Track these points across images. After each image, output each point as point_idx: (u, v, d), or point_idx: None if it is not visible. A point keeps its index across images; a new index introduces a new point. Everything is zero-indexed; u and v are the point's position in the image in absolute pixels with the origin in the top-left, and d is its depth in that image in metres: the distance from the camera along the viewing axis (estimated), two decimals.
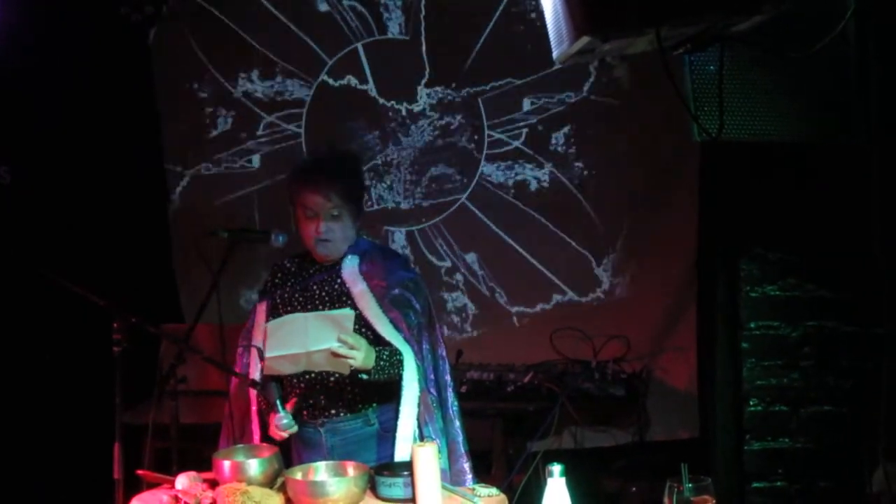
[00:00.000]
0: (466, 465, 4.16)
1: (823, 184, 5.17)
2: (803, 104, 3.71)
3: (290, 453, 4.19)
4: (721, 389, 5.61)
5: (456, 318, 6.38)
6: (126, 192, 6.32)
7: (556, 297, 6.26)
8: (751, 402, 5.46)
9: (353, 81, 6.44)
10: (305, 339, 3.83)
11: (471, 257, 6.36)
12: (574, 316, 6.14)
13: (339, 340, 3.80)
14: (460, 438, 4.19)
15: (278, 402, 3.92)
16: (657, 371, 5.99)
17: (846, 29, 3.46)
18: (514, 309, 6.32)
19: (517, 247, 6.30)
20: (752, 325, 5.45)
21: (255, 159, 6.58)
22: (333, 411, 4.12)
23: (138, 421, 4.72)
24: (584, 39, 2.77)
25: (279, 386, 4.01)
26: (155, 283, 6.45)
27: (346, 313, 3.91)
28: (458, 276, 6.39)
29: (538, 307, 6.28)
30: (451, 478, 4.08)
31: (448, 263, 6.40)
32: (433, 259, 6.40)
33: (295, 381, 4.13)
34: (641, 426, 5.89)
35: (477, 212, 6.33)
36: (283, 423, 3.91)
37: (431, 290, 4.55)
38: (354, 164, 4.30)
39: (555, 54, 3.03)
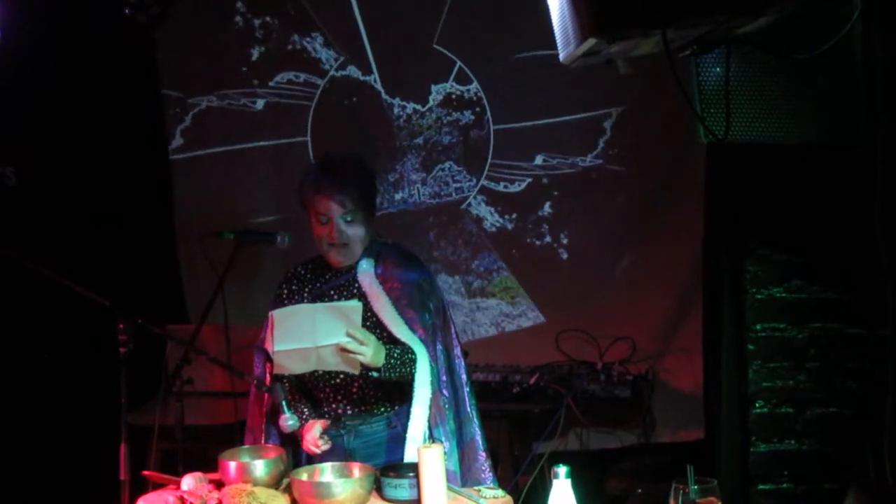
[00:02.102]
0: (486, 464, 4.17)
1: (829, 185, 5.16)
2: (809, 106, 3.71)
3: (311, 456, 4.20)
4: (727, 391, 5.60)
5: None
6: (131, 194, 6.33)
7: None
8: (756, 404, 5.46)
9: (357, 72, 6.47)
10: (313, 333, 3.83)
11: None
12: (580, 317, 6.14)
13: (348, 335, 3.80)
14: (479, 437, 4.20)
15: (284, 403, 3.92)
16: (663, 373, 5.98)
17: (852, 31, 3.46)
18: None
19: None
20: (758, 327, 5.44)
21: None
22: (355, 414, 4.12)
23: (144, 422, 4.73)
24: (591, 41, 2.77)
25: (285, 387, 4.01)
26: (160, 283, 6.46)
27: (354, 305, 3.91)
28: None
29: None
30: (471, 477, 4.09)
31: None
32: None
33: (320, 384, 4.14)
34: (647, 428, 5.89)
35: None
36: (289, 423, 3.92)
37: None
38: (366, 167, 4.29)
39: (561, 56, 3.03)
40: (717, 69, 3.42)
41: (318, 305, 3.97)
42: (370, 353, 3.83)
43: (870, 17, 3.55)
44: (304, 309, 3.95)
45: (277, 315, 3.92)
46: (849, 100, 3.77)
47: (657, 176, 6.02)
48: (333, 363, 3.88)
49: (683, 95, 3.17)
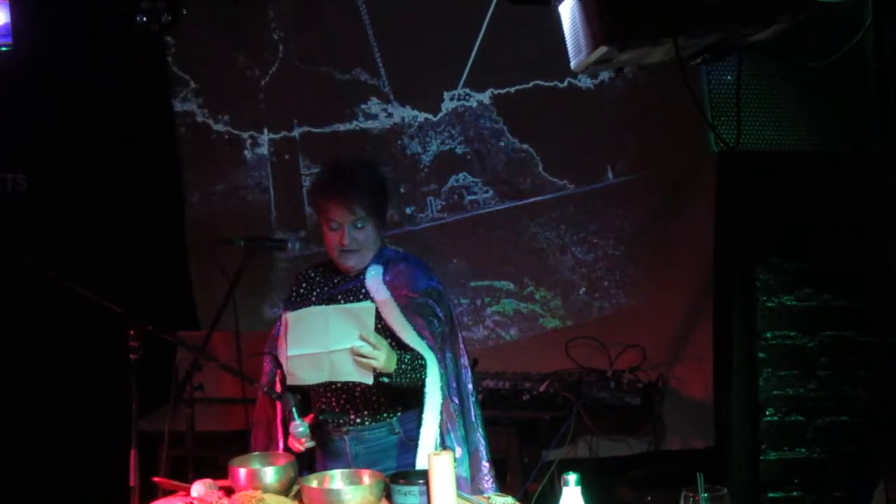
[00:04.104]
0: (489, 474, 4.16)
1: (840, 193, 5.16)
2: (820, 114, 3.72)
3: (313, 461, 4.20)
4: (737, 399, 5.60)
5: None
6: (142, 200, 6.34)
7: None
8: (767, 412, 5.45)
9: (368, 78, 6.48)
10: (326, 338, 3.82)
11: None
12: (590, 325, 6.13)
13: (361, 339, 3.80)
14: (483, 447, 4.19)
15: (294, 410, 3.92)
16: (673, 380, 5.97)
17: (864, 39, 3.46)
18: None
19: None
20: (769, 335, 5.44)
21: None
22: (358, 420, 4.12)
23: (154, 428, 4.74)
24: (602, 49, 2.78)
25: (296, 395, 4.01)
26: (171, 290, 6.47)
27: (367, 306, 3.90)
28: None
29: None
30: (473, 486, 4.08)
31: None
32: None
33: (321, 390, 4.14)
34: (657, 435, 5.88)
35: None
36: (300, 431, 3.91)
37: None
38: (377, 174, 4.29)
39: (573, 64, 3.04)
40: (728, 77, 3.43)
41: (331, 308, 3.96)
42: (383, 357, 3.83)
43: (881, 26, 3.55)
44: (317, 311, 3.95)
45: (291, 317, 3.92)
46: (860, 108, 3.77)
47: (668, 184, 6.01)
48: (346, 371, 3.87)
49: (694, 103, 3.17)
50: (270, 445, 4.16)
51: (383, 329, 4.02)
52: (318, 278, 4.29)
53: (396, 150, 6.40)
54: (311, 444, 4.01)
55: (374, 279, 4.16)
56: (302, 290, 4.29)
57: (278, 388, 4.07)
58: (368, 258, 4.16)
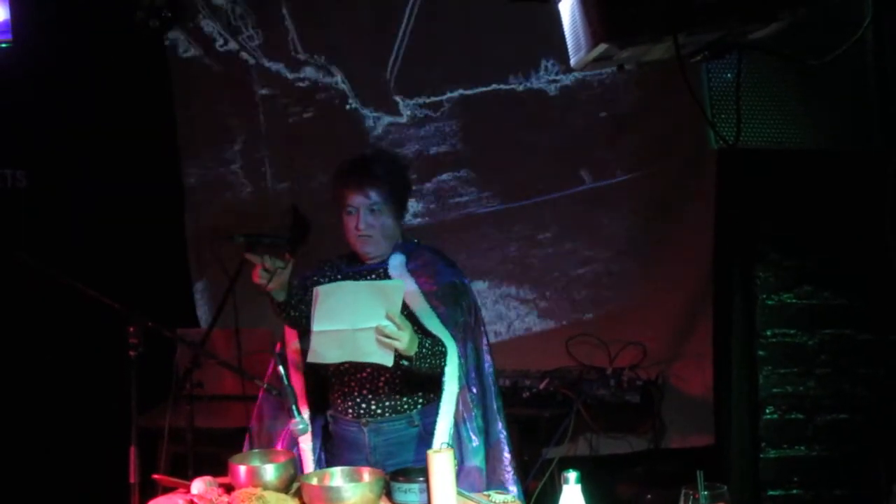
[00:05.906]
0: (510, 466, 4.15)
1: (840, 191, 5.16)
2: (821, 111, 3.70)
3: (330, 452, 4.22)
4: (737, 397, 5.60)
5: None
6: (142, 196, 6.34)
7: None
8: (767, 410, 5.45)
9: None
10: (355, 315, 3.83)
11: None
12: (590, 322, 6.13)
13: (387, 318, 3.81)
14: (504, 438, 4.18)
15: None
16: (673, 378, 5.97)
17: (864, 36, 3.46)
18: None
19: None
20: (769, 333, 5.44)
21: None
22: (378, 411, 4.13)
23: (154, 425, 4.74)
24: (602, 46, 2.78)
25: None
26: (171, 287, 6.47)
27: (397, 284, 3.93)
28: None
29: None
30: (495, 478, 4.08)
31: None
32: None
33: (345, 378, 4.14)
34: (657, 433, 5.88)
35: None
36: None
37: None
38: (395, 162, 4.31)
39: (572, 61, 3.03)
40: (728, 74, 3.42)
41: (362, 283, 3.99)
42: (406, 339, 3.84)
43: (881, 23, 3.55)
44: (349, 286, 3.95)
45: (322, 291, 3.92)
46: (860, 105, 3.76)
47: (668, 181, 6.01)
48: (368, 351, 3.87)
49: (695, 101, 3.17)
50: (279, 414, 4.18)
51: (407, 316, 4.01)
52: (342, 265, 4.30)
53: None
54: (276, 277, 3.99)
55: (398, 267, 4.17)
56: (327, 271, 4.28)
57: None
58: (386, 246, 4.17)
